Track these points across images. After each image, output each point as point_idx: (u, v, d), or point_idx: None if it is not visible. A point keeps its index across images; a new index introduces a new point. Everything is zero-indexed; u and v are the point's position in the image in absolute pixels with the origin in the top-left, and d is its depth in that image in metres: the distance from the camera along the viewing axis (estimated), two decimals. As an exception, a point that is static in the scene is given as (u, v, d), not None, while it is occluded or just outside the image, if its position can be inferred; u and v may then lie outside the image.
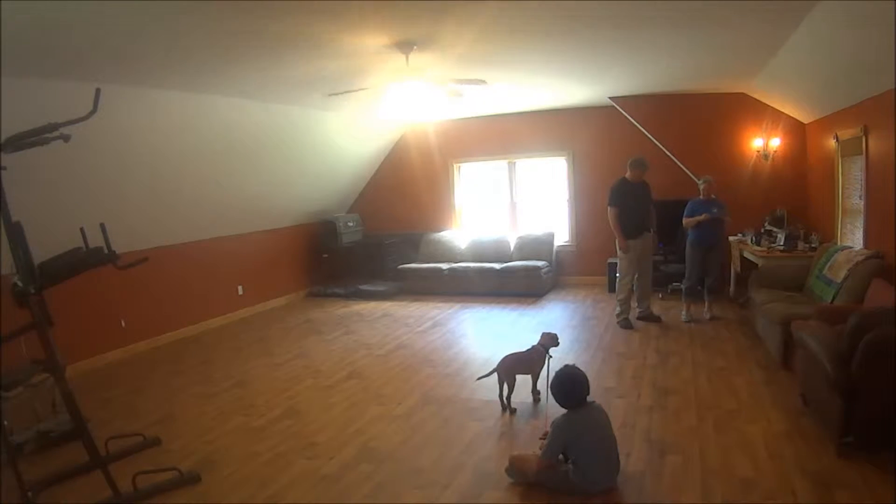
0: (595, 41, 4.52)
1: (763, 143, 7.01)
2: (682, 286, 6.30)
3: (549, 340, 4.12)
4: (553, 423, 2.98)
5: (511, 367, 4.00)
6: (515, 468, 3.03)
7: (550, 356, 4.01)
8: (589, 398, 3.01)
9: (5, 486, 3.03)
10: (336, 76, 5.12)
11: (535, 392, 4.11)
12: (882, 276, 4.17)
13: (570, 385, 2.99)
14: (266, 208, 7.64)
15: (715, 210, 5.91)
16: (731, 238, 6.87)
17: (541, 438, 3.20)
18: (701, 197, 6.06)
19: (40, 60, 3.72)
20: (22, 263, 2.83)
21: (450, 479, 3.10)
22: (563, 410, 3.00)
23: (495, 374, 4.01)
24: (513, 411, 3.93)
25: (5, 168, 2.79)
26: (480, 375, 4.23)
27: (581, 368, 3.11)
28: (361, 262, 8.67)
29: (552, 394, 3.05)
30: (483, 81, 4.84)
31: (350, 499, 2.97)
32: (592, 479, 2.84)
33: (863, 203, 4.93)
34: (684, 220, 6.09)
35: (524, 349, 4.14)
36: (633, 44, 4.65)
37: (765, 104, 6.92)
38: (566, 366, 3.13)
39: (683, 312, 6.21)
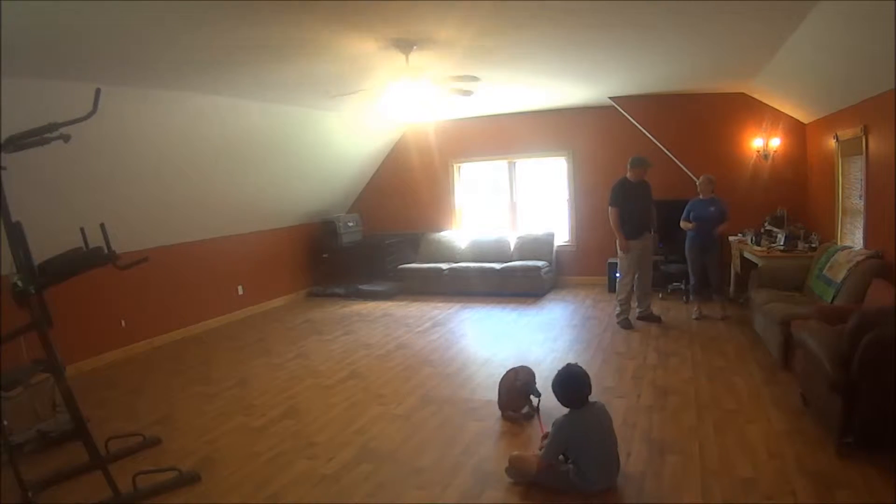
0: (595, 41, 4.52)
1: (763, 143, 7.00)
2: (689, 287, 6.34)
3: (529, 379, 4.00)
4: (555, 422, 2.98)
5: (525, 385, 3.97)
6: (515, 468, 3.03)
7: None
8: (591, 398, 3.00)
9: (5, 486, 3.03)
10: (336, 76, 5.12)
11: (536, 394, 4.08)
12: (882, 276, 4.17)
13: (572, 384, 2.98)
14: (266, 208, 7.64)
15: (712, 209, 5.94)
16: (731, 238, 6.87)
17: (543, 438, 3.20)
18: (700, 196, 6.09)
19: (40, 60, 3.72)
20: (22, 263, 2.83)
21: (450, 479, 3.10)
22: (561, 411, 3.00)
23: (500, 387, 3.98)
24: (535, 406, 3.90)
25: (5, 168, 2.80)
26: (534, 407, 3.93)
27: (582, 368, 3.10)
28: (361, 262, 8.67)
29: (553, 393, 3.04)
30: (476, 78, 4.84)
31: (350, 499, 2.97)
32: (592, 479, 2.84)
33: (863, 203, 4.93)
34: (681, 222, 6.16)
35: (518, 369, 4.05)
36: (634, 44, 4.65)
37: (765, 104, 6.92)
38: (568, 365, 3.11)
39: (695, 310, 6.28)
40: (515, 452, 3.17)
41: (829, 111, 5.79)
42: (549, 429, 3.29)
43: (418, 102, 4.67)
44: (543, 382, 4.28)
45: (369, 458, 3.39)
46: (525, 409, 3.89)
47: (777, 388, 4.11)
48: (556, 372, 3.09)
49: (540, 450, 3.07)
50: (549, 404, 3.93)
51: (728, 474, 2.97)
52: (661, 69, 5.75)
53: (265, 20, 3.49)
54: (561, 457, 2.93)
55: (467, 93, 4.98)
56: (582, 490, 2.84)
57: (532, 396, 3.93)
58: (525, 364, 4.21)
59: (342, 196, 9.23)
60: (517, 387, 3.89)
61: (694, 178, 7.12)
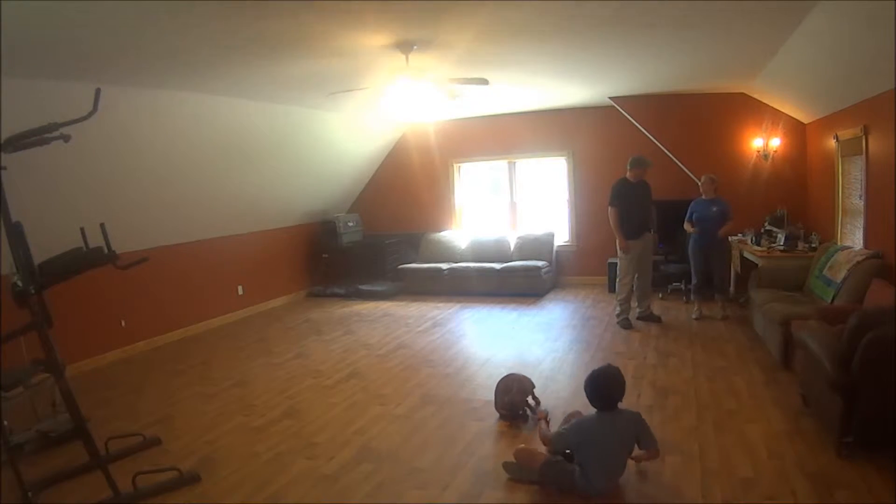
0: (595, 41, 4.52)
1: (763, 143, 7.01)
2: (691, 287, 6.35)
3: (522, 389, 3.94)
4: (579, 419, 2.96)
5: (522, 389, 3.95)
6: (519, 461, 3.02)
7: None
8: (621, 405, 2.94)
9: (5, 486, 3.03)
10: (336, 76, 5.12)
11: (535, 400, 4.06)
12: (882, 276, 4.17)
13: (600, 384, 2.89)
14: (266, 208, 7.64)
15: (715, 209, 5.95)
16: (731, 238, 6.87)
17: (539, 420, 3.29)
18: (703, 196, 6.10)
19: (40, 60, 3.72)
20: (22, 263, 2.83)
21: (450, 479, 3.10)
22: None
23: (497, 389, 3.96)
24: (537, 402, 3.93)
25: (5, 168, 2.80)
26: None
27: (590, 372, 3.02)
28: (361, 262, 8.67)
29: (584, 389, 2.94)
30: (485, 81, 4.84)
31: (350, 499, 2.97)
32: (596, 485, 2.81)
33: (863, 203, 4.93)
34: (685, 223, 6.17)
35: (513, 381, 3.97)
36: (633, 44, 4.65)
37: (765, 104, 6.92)
38: (608, 365, 3.02)
39: (695, 310, 6.28)
40: (522, 445, 3.16)
41: (829, 111, 5.79)
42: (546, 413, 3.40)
43: (418, 103, 4.67)
44: (544, 382, 4.31)
45: (369, 458, 3.39)
46: (522, 412, 3.87)
47: (777, 388, 4.11)
48: (556, 371, 3.09)
49: (542, 432, 3.08)
50: (549, 403, 3.96)
51: (728, 474, 2.97)
52: (661, 69, 5.74)
53: (265, 20, 3.49)
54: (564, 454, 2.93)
55: (455, 95, 4.97)
56: (584, 492, 2.82)
57: (528, 406, 3.90)
58: (525, 371, 4.16)
59: (342, 196, 9.23)
60: (505, 401, 3.84)
61: (694, 178, 7.12)
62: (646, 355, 5.09)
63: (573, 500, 2.83)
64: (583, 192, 8.34)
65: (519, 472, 3.02)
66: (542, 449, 3.08)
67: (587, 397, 2.93)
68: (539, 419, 3.30)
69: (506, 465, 3.07)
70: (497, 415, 3.90)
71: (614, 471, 2.88)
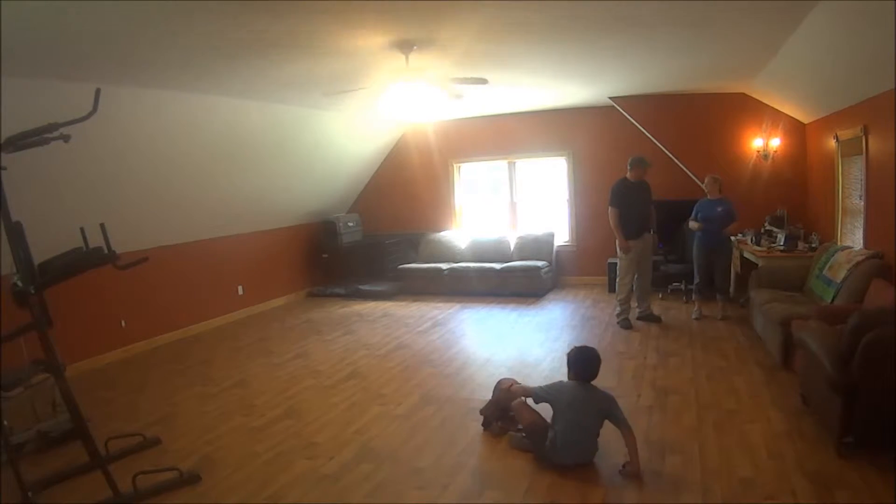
0: (595, 41, 4.52)
1: (763, 143, 7.01)
2: (693, 287, 6.35)
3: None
4: (560, 381, 3.31)
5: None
6: (503, 390, 3.57)
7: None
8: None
9: (5, 486, 3.03)
10: (336, 76, 5.12)
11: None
12: (882, 276, 4.17)
13: (587, 357, 3.27)
14: (266, 208, 7.64)
15: (720, 209, 5.94)
16: (731, 238, 6.87)
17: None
18: (708, 197, 6.09)
19: (40, 60, 3.72)
20: (22, 263, 2.83)
21: (450, 479, 3.10)
22: None
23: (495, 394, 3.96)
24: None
25: (5, 168, 2.80)
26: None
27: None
28: (361, 262, 8.67)
29: (568, 355, 3.35)
30: (484, 80, 4.84)
31: (350, 499, 2.97)
32: (561, 452, 3.04)
33: (863, 203, 4.93)
34: (690, 222, 6.17)
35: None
36: (633, 44, 4.65)
37: (765, 104, 6.92)
38: (586, 346, 3.42)
39: (695, 310, 6.28)
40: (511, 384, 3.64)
41: (829, 111, 5.79)
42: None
43: (418, 103, 4.67)
44: (544, 382, 4.28)
45: (369, 458, 3.39)
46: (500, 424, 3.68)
47: (777, 388, 4.11)
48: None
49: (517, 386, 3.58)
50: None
51: (728, 474, 2.97)
52: (661, 69, 5.74)
53: (265, 21, 3.49)
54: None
55: (458, 95, 4.98)
56: (552, 461, 3.04)
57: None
58: (525, 371, 4.18)
59: (342, 196, 9.23)
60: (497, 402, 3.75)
61: (694, 177, 7.13)
62: (646, 355, 5.09)
63: (571, 499, 2.83)
64: (583, 192, 8.34)
65: (496, 401, 3.61)
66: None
67: (569, 363, 3.29)
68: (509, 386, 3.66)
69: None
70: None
71: (581, 439, 3.05)
